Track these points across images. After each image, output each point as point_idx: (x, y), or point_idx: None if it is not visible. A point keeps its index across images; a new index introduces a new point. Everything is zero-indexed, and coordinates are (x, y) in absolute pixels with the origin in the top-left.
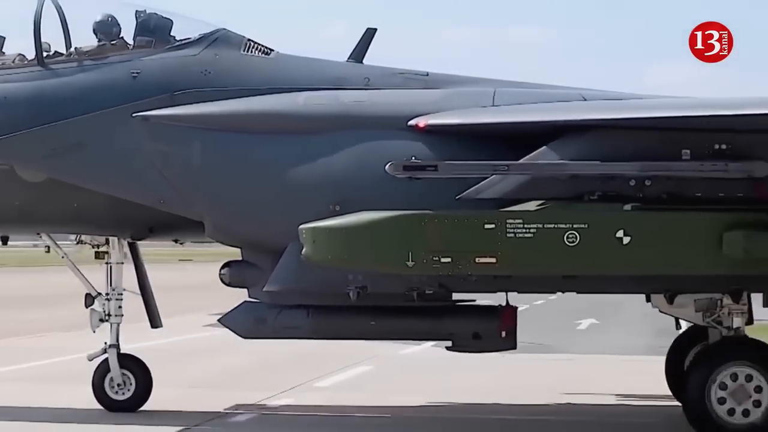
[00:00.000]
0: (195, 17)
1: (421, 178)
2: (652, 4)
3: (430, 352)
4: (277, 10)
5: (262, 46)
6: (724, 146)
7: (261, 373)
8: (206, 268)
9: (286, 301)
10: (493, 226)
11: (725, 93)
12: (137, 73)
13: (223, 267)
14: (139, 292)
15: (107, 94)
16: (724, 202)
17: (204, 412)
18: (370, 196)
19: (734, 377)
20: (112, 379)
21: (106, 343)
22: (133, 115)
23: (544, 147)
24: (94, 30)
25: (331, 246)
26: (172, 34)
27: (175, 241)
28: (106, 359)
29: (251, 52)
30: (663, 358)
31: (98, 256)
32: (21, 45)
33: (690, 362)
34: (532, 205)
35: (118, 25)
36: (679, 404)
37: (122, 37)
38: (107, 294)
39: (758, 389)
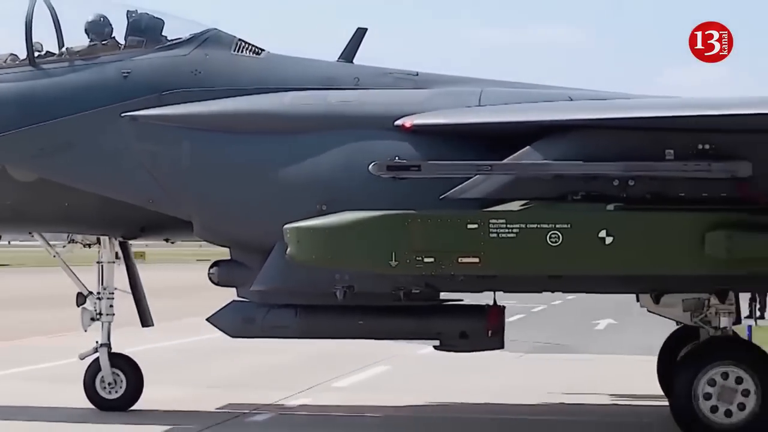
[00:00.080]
0: (187, 17)
1: (405, 178)
2: (668, 6)
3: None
4: (294, 10)
5: (253, 46)
6: (707, 146)
7: (279, 373)
8: None
9: (274, 301)
10: (476, 226)
11: (737, 95)
12: (128, 72)
13: (211, 266)
14: (130, 291)
15: (98, 94)
16: (708, 202)
17: (222, 412)
18: (356, 195)
19: (721, 377)
20: (103, 378)
21: (97, 342)
22: (122, 114)
23: (527, 147)
24: (85, 30)
25: (315, 246)
26: (163, 34)
27: (166, 240)
28: (98, 358)
29: (242, 52)
30: None
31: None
32: (13, 45)
33: (676, 362)
34: (515, 205)
35: (110, 25)
36: None
37: (114, 37)
38: (98, 293)
39: (745, 389)
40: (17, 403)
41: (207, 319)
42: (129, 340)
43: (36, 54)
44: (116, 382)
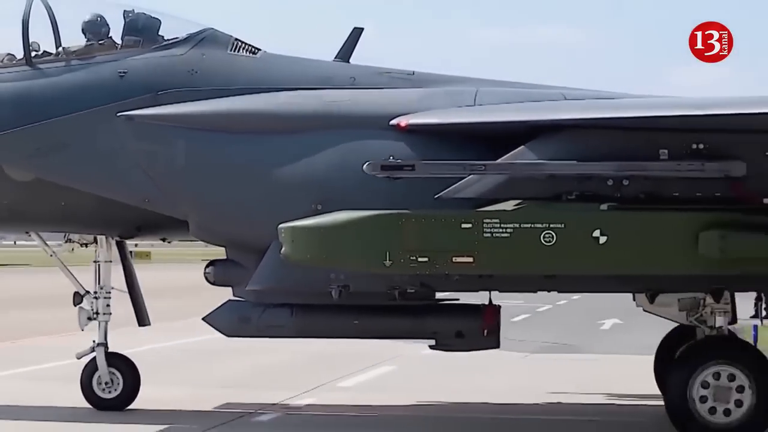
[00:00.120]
0: (184, 17)
1: (399, 178)
2: (677, 5)
3: (455, 353)
4: (304, 10)
5: (250, 45)
6: (701, 146)
7: (284, 373)
8: None
9: (270, 300)
10: (469, 225)
11: (737, 94)
12: (124, 72)
13: (207, 266)
14: (126, 290)
15: (94, 94)
16: (701, 201)
17: (227, 411)
18: (352, 195)
19: (716, 376)
20: (99, 378)
21: (94, 341)
22: (118, 114)
23: (522, 147)
24: (82, 30)
25: (309, 245)
26: (160, 33)
27: (163, 239)
28: (95, 358)
29: (238, 51)
30: None
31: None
32: (10, 45)
33: (672, 362)
34: (509, 205)
35: (107, 24)
36: None
37: (111, 37)
38: (95, 292)
39: (740, 388)
40: (21, 403)
41: (203, 319)
42: (132, 340)
43: (33, 54)
44: (113, 382)
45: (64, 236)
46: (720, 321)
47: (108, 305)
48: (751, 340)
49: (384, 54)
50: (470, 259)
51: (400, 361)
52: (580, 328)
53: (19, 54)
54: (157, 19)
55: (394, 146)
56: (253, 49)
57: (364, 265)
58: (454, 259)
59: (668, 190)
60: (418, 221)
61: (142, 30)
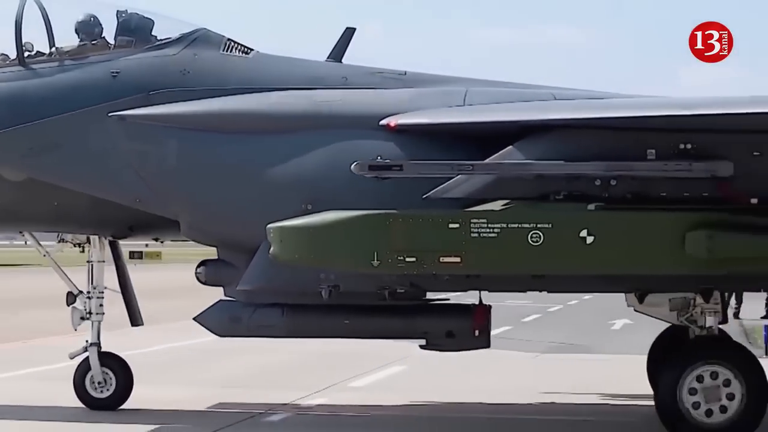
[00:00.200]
0: (177, 17)
1: (388, 178)
2: (687, 4)
3: (464, 351)
4: (313, 10)
5: (242, 45)
6: (689, 146)
7: (295, 373)
8: None
9: (260, 300)
10: (457, 225)
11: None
12: (116, 72)
13: (199, 266)
14: (119, 290)
15: (86, 94)
16: (689, 201)
17: (237, 412)
18: (341, 195)
19: (705, 376)
20: (92, 377)
21: (87, 341)
22: (109, 114)
23: (510, 147)
24: (75, 30)
25: (298, 245)
26: (153, 33)
27: (156, 239)
28: (88, 357)
29: (231, 51)
30: None
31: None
32: (4, 45)
33: (662, 362)
34: (497, 205)
35: (100, 25)
36: None
37: (104, 37)
38: (88, 292)
39: (730, 388)
40: (33, 403)
41: (194, 318)
42: (142, 340)
43: (26, 54)
44: (106, 381)
45: (57, 236)
46: (710, 321)
47: (101, 305)
48: (761, 341)
49: (390, 53)
50: (458, 259)
51: (410, 361)
52: (591, 328)
53: (13, 54)
54: (150, 19)
55: (383, 146)
56: (245, 49)
57: (351, 264)
58: (441, 259)
59: (656, 190)
60: (406, 221)
61: (135, 30)
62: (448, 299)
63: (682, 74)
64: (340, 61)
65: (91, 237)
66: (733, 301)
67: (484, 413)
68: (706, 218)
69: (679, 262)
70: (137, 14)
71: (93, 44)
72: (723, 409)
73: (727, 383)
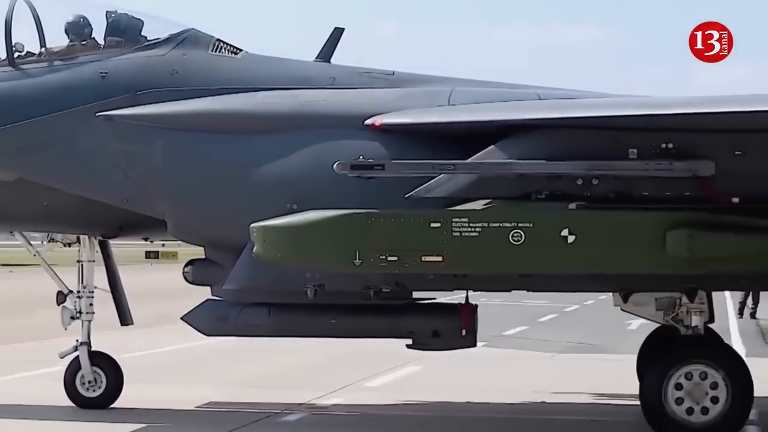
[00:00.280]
0: (167, 18)
1: (371, 177)
2: (700, 5)
3: (480, 352)
4: (328, 10)
5: (231, 45)
6: (670, 145)
7: (311, 373)
8: None
9: (247, 299)
10: (439, 225)
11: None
12: (105, 73)
13: (186, 265)
14: (109, 289)
15: (75, 94)
16: (670, 201)
17: (253, 412)
18: (326, 195)
19: (690, 376)
20: (83, 377)
21: (77, 340)
22: (97, 114)
23: (492, 146)
24: (65, 30)
25: (280, 245)
26: (142, 34)
27: (145, 239)
28: (78, 357)
29: (219, 51)
30: None
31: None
32: None
33: (647, 362)
34: (478, 204)
35: (90, 25)
36: None
37: (93, 38)
38: (78, 292)
39: (714, 387)
40: (49, 403)
41: (182, 318)
42: (160, 340)
43: (16, 54)
44: (96, 381)
45: (48, 236)
46: (696, 320)
47: (91, 304)
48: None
49: (404, 55)
50: (439, 259)
51: (426, 361)
52: (608, 328)
53: (3, 54)
54: (139, 19)
55: (368, 146)
56: (234, 50)
57: (333, 264)
58: (423, 258)
59: (637, 189)
60: (387, 221)
61: (125, 30)
62: (434, 298)
63: (698, 75)
64: (329, 61)
65: (81, 237)
66: (750, 301)
67: (500, 413)
68: (688, 218)
69: (660, 261)
70: (127, 15)
71: (83, 44)
72: (709, 408)
73: (712, 384)
